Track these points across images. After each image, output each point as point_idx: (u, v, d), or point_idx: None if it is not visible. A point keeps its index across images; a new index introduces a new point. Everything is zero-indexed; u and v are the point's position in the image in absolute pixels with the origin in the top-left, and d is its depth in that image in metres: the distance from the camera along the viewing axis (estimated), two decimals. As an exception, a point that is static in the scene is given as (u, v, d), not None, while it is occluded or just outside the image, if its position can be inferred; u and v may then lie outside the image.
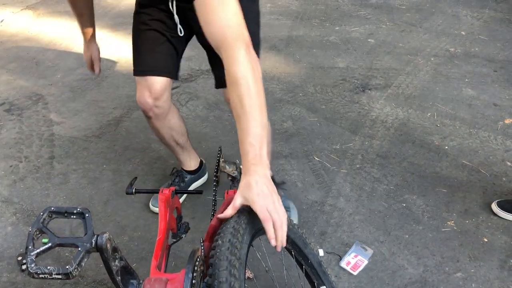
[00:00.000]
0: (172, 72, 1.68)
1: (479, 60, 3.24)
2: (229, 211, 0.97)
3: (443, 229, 1.90)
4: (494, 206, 2.00)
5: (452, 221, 1.94)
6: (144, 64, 1.64)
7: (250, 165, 1.00)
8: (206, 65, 1.91)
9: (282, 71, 3.12)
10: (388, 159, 2.29)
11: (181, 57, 1.74)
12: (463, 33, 3.63)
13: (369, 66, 3.20)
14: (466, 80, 3.00)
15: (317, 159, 2.31)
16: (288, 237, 1.01)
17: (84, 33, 1.85)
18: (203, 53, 1.66)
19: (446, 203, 2.03)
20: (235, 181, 1.29)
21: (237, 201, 0.98)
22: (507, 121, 2.58)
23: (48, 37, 3.60)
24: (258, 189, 0.96)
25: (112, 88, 2.94)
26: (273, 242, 0.95)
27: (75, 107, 2.73)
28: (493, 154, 2.34)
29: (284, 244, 0.96)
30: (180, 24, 1.58)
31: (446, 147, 2.39)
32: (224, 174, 1.33)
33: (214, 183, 1.31)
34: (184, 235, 1.46)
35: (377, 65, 3.21)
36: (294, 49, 3.45)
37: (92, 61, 1.91)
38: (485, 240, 1.85)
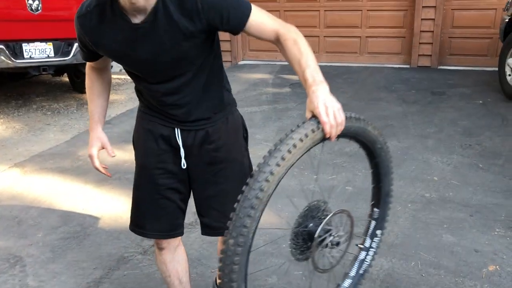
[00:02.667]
0: (181, 226, 1.85)
1: (455, 205, 3.35)
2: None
3: None
4: None
5: None
6: (151, 229, 1.81)
7: (311, 86, 1.32)
8: (187, 218, 1.94)
9: (264, 221, 3.14)
10: (377, 316, 2.22)
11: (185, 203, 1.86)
12: (435, 178, 3.81)
13: (349, 214, 3.26)
14: (445, 226, 3.06)
15: (304, 318, 2.23)
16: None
17: (92, 121, 1.83)
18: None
19: None
20: None
21: (308, 116, 1.34)
22: (490, 268, 2.59)
23: (33, 194, 3.64)
24: (319, 100, 1.29)
25: (93, 246, 2.90)
26: (326, 129, 1.31)
27: (54, 269, 2.66)
28: (483, 305, 2.30)
29: (337, 134, 1.33)
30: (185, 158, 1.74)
31: (435, 299, 2.35)
32: None
33: None
34: None
35: (357, 213, 3.27)
36: (275, 198, 3.53)
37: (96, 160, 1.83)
38: None
